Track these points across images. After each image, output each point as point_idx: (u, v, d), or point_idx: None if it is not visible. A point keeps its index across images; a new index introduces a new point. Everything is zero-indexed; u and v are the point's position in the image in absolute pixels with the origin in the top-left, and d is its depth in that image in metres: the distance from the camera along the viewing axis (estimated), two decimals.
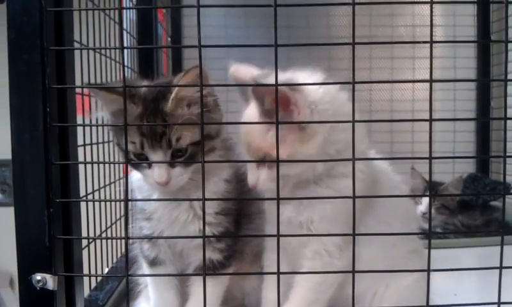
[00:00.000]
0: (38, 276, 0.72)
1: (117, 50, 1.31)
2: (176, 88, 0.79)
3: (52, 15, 0.74)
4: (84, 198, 1.01)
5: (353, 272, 0.67)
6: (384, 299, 0.86)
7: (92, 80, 1.03)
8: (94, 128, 1.10)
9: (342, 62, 2.07)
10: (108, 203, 1.25)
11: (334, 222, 0.80)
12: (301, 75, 0.80)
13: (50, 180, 0.73)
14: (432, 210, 1.70)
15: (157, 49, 1.72)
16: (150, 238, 0.90)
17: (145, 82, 0.90)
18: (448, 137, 2.13)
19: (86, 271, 0.91)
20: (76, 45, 0.90)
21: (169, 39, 2.04)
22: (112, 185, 1.25)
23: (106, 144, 1.19)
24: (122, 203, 1.26)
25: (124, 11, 1.39)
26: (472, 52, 2.18)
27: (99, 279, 1.16)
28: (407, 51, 2.14)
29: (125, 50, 1.39)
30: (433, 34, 0.64)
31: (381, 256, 0.83)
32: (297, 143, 0.75)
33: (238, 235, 0.93)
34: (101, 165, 1.20)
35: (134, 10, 1.59)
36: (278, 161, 0.65)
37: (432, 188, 1.71)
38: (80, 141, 0.91)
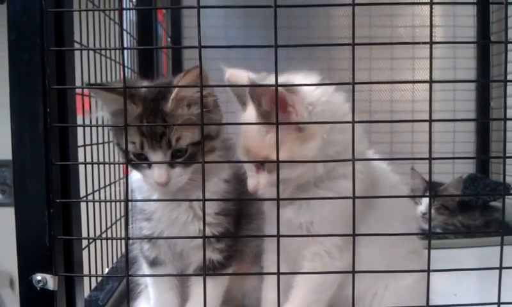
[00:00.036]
0: (39, 276, 0.72)
1: (117, 51, 1.31)
2: (176, 88, 0.79)
3: (52, 16, 0.74)
4: (84, 198, 1.01)
5: (353, 272, 0.67)
6: (384, 300, 0.87)
7: (92, 81, 1.03)
8: (94, 129, 1.10)
9: (342, 63, 2.07)
10: (108, 204, 1.25)
11: (334, 223, 0.80)
12: (296, 77, 0.80)
13: (50, 180, 0.73)
14: (432, 211, 1.70)
15: (157, 50, 1.72)
16: (150, 238, 0.90)
17: (145, 83, 0.90)
18: (448, 138, 2.13)
19: (86, 271, 0.91)
20: (76, 45, 0.90)
21: (169, 39, 2.04)
22: (112, 186, 1.25)
23: (106, 145, 1.19)
24: (122, 203, 1.27)
25: (124, 11, 1.39)
26: (471, 53, 2.18)
27: (99, 279, 1.16)
28: (407, 52, 2.14)
29: (125, 51, 1.39)
30: (433, 34, 0.64)
31: (380, 256, 0.83)
32: (296, 145, 0.75)
33: (238, 235, 0.93)
34: (101, 166, 1.20)
35: (134, 11, 1.60)
36: (278, 161, 0.65)
37: (432, 189, 1.71)
38: (80, 142, 0.91)
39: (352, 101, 0.64)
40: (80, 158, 0.90)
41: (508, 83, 0.70)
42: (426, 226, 1.42)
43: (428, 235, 0.70)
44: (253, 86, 0.73)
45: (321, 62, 2.07)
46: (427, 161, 0.65)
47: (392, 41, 2.18)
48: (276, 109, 0.65)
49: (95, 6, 1.11)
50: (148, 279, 0.97)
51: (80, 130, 0.92)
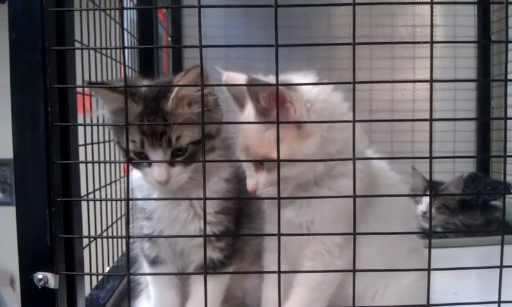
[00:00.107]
0: (40, 275, 0.72)
1: (118, 50, 1.31)
2: (177, 87, 0.79)
3: (53, 15, 0.74)
4: (85, 197, 1.01)
5: (354, 271, 0.67)
6: (385, 299, 0.87)
7: (93, 80, 1.03)
8: (95, 128, 1.11)
9: (342, 62, 2.07)
10: (109, 203, 1.25)
11: (334, 222, 0.80)
12: (295, 77, 0.81)
13: (51, 179, 0.73)
14: (433, 210, 1.70)
15: (157, 49, 1.72)
16: (151, 237, 0.91)
17: (146, 82, 0.90)
18: (448, 137, 2.13)
19: (87, 270, 0.91)
20: (77, 44, 0.90)
21: (169, 39, 2.04)
22: (113, 185, 1.25)
23: (107, 144, 1.19)
24: (123, 202, 1.27)
25: (125, 11, 1.39)
26: (472, 52, 2.18)
27: (100, 278, 1.16)
28: (407, 51, 2.14)
29: (126, 50, 1.39)
30: (433, 34, 0.64)
31: (380, 255, 0.83)
32: (295, 142, 0.75)
33: (239, 234, 0.93)
34: (101, 165, 1.20)
35: (135, 10, 1.60)
36: (278, 160, 0.66)
37: (433, 188, 1.71)
38: (81, 141, 0.91)
39: (353, 100, 0.64)
40: (81, 157, 0.91)
41: (508, 82, 0.70)
42: (427, 225, 1.42)
43: (429, 234, 0.70)
44: (254, 85, 0.73)
45: (321, 62, 2.07)
46: (428, 160, 0.65)
47: (393, 40, 2.18)
48: (276, 108, 0.65)
49: (95, 6, 1.11)
50: (149, 278, 0.97)
51: (81, 129, 0.93)
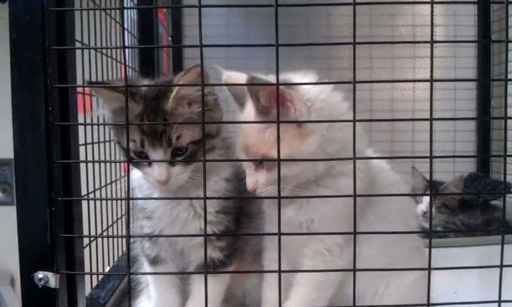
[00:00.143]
0: (40, 274, 0.72)
1: (118, 50, 1.32)
2: (177, 87, 0.79)
3: (54, 15, 0.74)
4: (86, 197, 1.01)
5: (354, 270, 0.67)
6: (385, 298, 0.87)
7: (93, 80, 1.03)
8: (95, 128, 1.11)
9: (342, 62, 2.08)
10: (109, 202, 1.25)
11: (335, 221, 0.80)
12: (295, 76, 0.81)
13: (52, 179, 0.73)
14: (433, 209, 1.70)
15: (158, 48, 1.72)
16: (151, 236, 0.91)
17: (146, 81, 0.90)
18: (448, 137, 2.13)
19: (87, 270, 0.91)
20: (77, 44, 0.90)
21: (170, 38, 2.04)
22: (113, 184, 1.25)
23: (107, 143, 1.19)
24: (123, 202, 1.27)
25: (125, 10, 1.39)
26: (472, 52, 2.18)
27: (100, 277, 1.16)
28: (407, 51, 2.14)
29: (126, 50, 1.39)
30: (434, 33, 0.64)
31: (380, 254, 0.83)
32: (295, 141, 0.75)
33: (239, 233, 0.93)
34: (102, 165, 1.20)
35: (135, 10, 1.60)
36: (279, 159, 0.66)
37: (433, 188, 1.71)
38: (81, 140, 0.91)
39: (353, 99, 0.64)
40: (82, 157, 0.91)
41: (509, 82, 0.70)
42: (427, 225, 1.42)
43: (429, 234, 0.70)
44: (254, 84, 0.73)
45: (321, 61, 2.07)
46: (428, 160, 0.65)
47: (393, 40, 2.18)
48: (277, 107, 0.65)
49: (96, 5, 1.11)
50: (149, 277, 0.97)
51: (81, 129, 0.93)
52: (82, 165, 0.89)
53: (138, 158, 0.81)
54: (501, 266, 0.67)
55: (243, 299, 0.99)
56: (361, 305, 0.83)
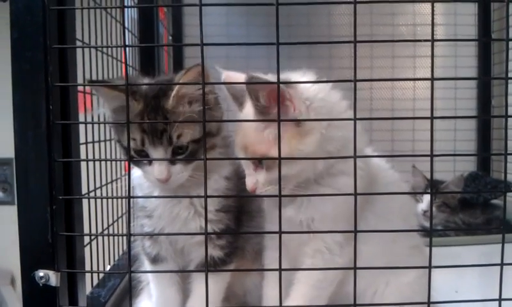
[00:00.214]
0: (41, 273, 0.73)
1: (118, 49, 1.32)
2: (178, 85, 0.79)
3: (54, 14, 0.74)
4: (86, 195, 1.01)
5: (355, 268, 0.67)
6: (385, 297, 0.87)
7: (94, 78, 1.03)
8: (96, 127, 1.11)
9: (343, 61, 2.08)
10: (110, 201, 1.25)
11: (335, 220, 0.80)
12: (294, 76, 0.81)
13: (52, 177, 0.73)
14: (434, 208, 1.70)
15: (158, 48, 1.72)
16: (152, 234, 0.91)
17: (146, 80, 0.90)
18: (449, 136, 2.13)
19: (88, 268, 0.91)
20: (78, 43, 0.91)
21: (170, 38, 2.04)
22: (114, 183, 1.25)
23: (108, 142, 1.19)
24: (124, 200, 1.27)
25: (126, 9, 1.39)
26: (472, 51, 2.18)
27: (101, 276, 1.16)
28: (408, 50, 2.14)
29: (127, 49, 1.39)
30: (434, 33, 0.64)
31: (380, 252, 0.83)
32: (294, 140, 0.75)
33: (240, 232, 0.93)
34: (102, 163, 1.20)
35: (136, 9, 1.60)
36: (279, 158, 0.66)
37: (434, 187, 1.71)
38: (82, 139, 0.91)
39: (354, 98, 0.64)
40: (82, 156, 0.91)
41: (509, 81, 0.70)
42: (427, 224, 1.42)
43: (429, 232, 0.70)
44: (255, 83, 0.73)
45: (322, 61, 2.07)
46: (429, 160, 0.66)
47: (393, 39, 2.18)
48: (277, 106, 0.65)
49: (96, 4, 1.11)
50: (150, 275, 0.97)
51: (81, 128, 0.93)
52: (83, 164, 0.89)
53: (138, 157, 0.82)
54: (502, 264, 0.67)
55: (244, 298, 0.99)
56: (362, 303, 0.83)
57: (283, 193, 0.67)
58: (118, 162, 1.31)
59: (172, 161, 0.81)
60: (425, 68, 2.15)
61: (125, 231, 1.31)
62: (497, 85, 2.13)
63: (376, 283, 0.87)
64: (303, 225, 0.82)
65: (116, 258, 1.33)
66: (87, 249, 0.92)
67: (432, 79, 0.64)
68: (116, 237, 1.32)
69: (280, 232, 0.66)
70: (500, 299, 0.67)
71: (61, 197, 0.75)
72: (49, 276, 0.73)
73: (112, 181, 1.24)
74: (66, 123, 0.78)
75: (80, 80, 0.88)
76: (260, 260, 0.93)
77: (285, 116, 0.73)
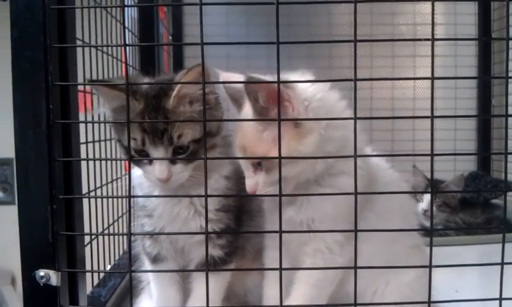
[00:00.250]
0: (42, 272, 0.72)
1: (119, 48, 1.32)
2: (179, 85, 0.79)
3: (54, 13, 0.74)
4: (87, 195, 1.01)
5: (355, 268, 0.67)
6: (385, 296, 0.87)
7: (94, 78, 1.03)
8: (96, 127, 1.11)
9: (343, 61, 2.08)
10: (110, 201, 1.25)
11: (335, 220, 0.80)
12: (292, 76, 0.81)
13: (53, 177, 0.73)
14: (434, 208, 1.70)
15: (158, 47, 1.72)
16: (152, 234, 0.91)
17: (146, 79, 0.90)
18: (449, 136, 2.13)
19: (88, 268, 0.91)
20: (78, 42, 0.91)
21: (170, 37, 2.04)
22: (114, 183, 1.25)
23: (108, 142, 1.20)
24: (124, 200, 1.27)
25: (126, 9, 1.39)
26: (472, 51, 2.18)
27: (102, 276, 1.16)
28: (408, 49, 2.14)
29: (127, 48, 1.39)
30: (434, 32, 0.64)
31: (380, 252, 0.83)
32: (293, 141, 0.75)
33: (240, 231, 0.93)
34: (103, 163, 1.20)
35: (136, 8, 1.60)
36: (280, 157, 0.66)
37: (434, 186, 1.71)
38: (82, 139, 0.91)
39: (354, 97, 0.64)
40: (83, 156, 0.91)
41: (510, 80, 0.70)
42: (427, 223, 1.42)
43: (430, 231, 0.70)
44: (255, 82, 0.73)
45: (322, 60, 2.07)
46: (429, 159, 0.65)
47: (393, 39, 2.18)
48: (278, 105, 0.65)
49: (96, 3, 1.11)
50: (151, 275, 0.97)
51: (82, 128, 0.93)
52: (83, 164, 0.89)
53: (139, 157, 0.81)
54: (502, 263, 0.67)
55: (244, 297, 0.99)
56: (362, 302, 0.84)
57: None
58: (119, 162, 1.32)
59: (173, 161, 0.81)
60: (425, 67, 2.14)
61: (125, 231, 1.31)
62: (497, 84, 2.13)
63: (376, 283, 0.87)
64: (303, 225, 0.82)
65: (117, 257, 1.33)
66: (87, 249, 0.92)
67: (433, 78, 0.64)
68: (116, 237, 1.32)
69: (280, 231, 0.66)
70: (500, 298, 0.67)
71: (61, 197, 0.75)
72: (50, 276, 0.73)
73: (112, 181, 1.24)
74: (67, 122, 0.78)
75: (80, 79, 0.88)
76: (260, 260, 0.93)
77: (284, 117, 0.73)
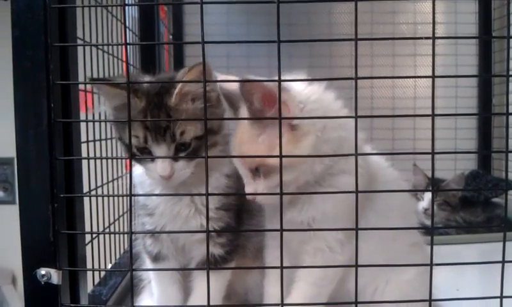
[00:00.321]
0: (43, 271, 0.73)
1: (119, 48, 1.32)
2: (181, 83, 0.79)
3: (55, 12, 0.74)
4: (88, 194, 1.02)
5: (356, 266, 0.68)
6: (385, 294, 0.87)
7: (95, 77, 1.03)
8: (97, 126, 1.11)
9: (343, 60, 2.08)
10: (111, 199, 1.25)
11: (336, 219, 0.80)
12: (287, 78, 0.80)
13: (54, 176, 0.73)
14: (434, 207, 1.70)
15: (159, 46, 1.72)
16: (153, 232, 0.91)
17: (147, 77, 0.90)
18: (450, 135, 2.13)
19: (89, 267, 0.91)
20: (79, 41, 0.91)
21: (171, 37, 2.04)
22: (115, 182, 1.26)
23: (109, 141, 1.20)
24: (125, 199, 1.28)
25: (126, 8, 1.40)
26: (473, 50, 2.18)
27: (103, 275, 1.16)
28: (408, 49, 2.14)
29: (128, 47, 1.39)
30: (435, 31, 0.64)
31: (380, 250, 0.83)
32: (289, 145, 0.74)
33: (241, 230, 0.93)
34: (104, 162, 1.20)
35: (136, 7, 1.60)
36: (281, 156, 0.66)
37: (434, 185, 1.71)
38: (83, 138, 0.91)
39: (355, 96, 0.64)
40: (83, 155, 0.91)
41: (510, 79, 0.70)
42: (428, 222, 1.42)
43: (431, 229, 0.70)
44: (256, 81, 0.73)
45: (322, 60, 2.07)
46: (429, 158, 0.65)
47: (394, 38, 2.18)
48: (279, 103, 0.65)
49: (97, 2, 1.11)
50: (151, 274, 0.97)
51: (83, 126, 0.93)
52: (84, 163, 0.89)
53: (141, 154, 0.82)
54: (503, 261, 0.67)
55: (245, 296, 0.99)
56: (363, 301, 0.84)
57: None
58: (119, 161, 1.32)
59: (175, 158, 0.81)
60: (425, 66, 2.14)
61: (126, 230, 1.31)
62: (498, 83, 2.13)
63: (376, 281, 0.87)
64: (304, 225, 0.81)
65: (118, 256, 1.33)
66: (88, 248, 0.92)
67: (434, 77, 0.64)
68: (117, 235, 1.33)
69: (281, 230, 0.66)
70: (501, 297, 0.67)
71: (62, 196, 0.75)
72: (51, 274, 0.73)
73: (113, 180, 1.24)
74: (68, 121, 0.78)
75: (81, 78, 0.88)
76: (261, 258, 0.93)
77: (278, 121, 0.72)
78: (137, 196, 0.92)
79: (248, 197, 0.80)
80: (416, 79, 2.13)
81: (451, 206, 1.73)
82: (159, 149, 0.80)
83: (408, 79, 2.15)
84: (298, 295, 0.83)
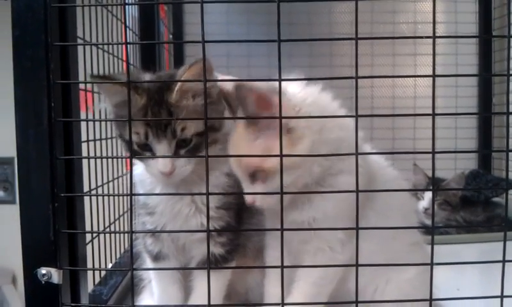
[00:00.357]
0: (43, 270, 0.73)
1: (119, 47, 1.32)
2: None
3: (56, 11, 0.74)
4: (88, 193, 1.02)
5: (356, 265, 0.68)
6: (386, 294, 0.87)
7: (95, 74, 1.03)
8: (97, 125, 1.11)
9: (343, 59, 2.08)
10: (112, 199, 1.25)
11: (336, 219, 0.80)
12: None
13: (54, 175, 0.73)
14: (435, 206, 1.70)
15: (159, 46, 1.72)
16: (154, 232, 0.91)
17: (147, 75, 0.90)
18: (450, 134, 2.14)
19: (90, 266, 0.91)
20: (79, 41, 0.91)
21: (171, 36, 2.04)
22: (116, 181, 1.26)
23: (109, 140, 1.20)
24: (125, 198, 1.28)
25: (126, 7, 1.40)
26: (473, 49, 2.19)
27: (103, 274, 1.16)
28: (409, 48, 2.15)
29: (128, 47, 1.39)
30: (435, 30, 0.64)
31: (380, 249, 0.83)
32: (285, 149, 0.73)
33: (242, 229, 0.93)
34: (104, 161, 1.20)
35: (136, 7, 1.60)
36: (281, 155, 0.66)
37: (435, 184, 1.71)
38: (83, 138, 0.91)
39: (355, 95, 0.64)
40: (84, 154, 0.91)
41: (511, 78, 0.70)
42: (428, 222, 1.42)
43: (431, 229, 0.70)
44: (256, 80, 0.73)
45: (322, 59, 2.07)
46: (430, 158, 0.65)
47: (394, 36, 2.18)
48: (279, 103, 0.65)
49: (97, 2, 1.11)
50: (152, 273, 0.97)
51: (83, 126, 0.93)
52: (85, 162, 0.89)
53: (141, 151, 0.81)
54: (503, 261, 0.67)
55: (245, 295, 0.99)
56: (363, 300, 0.84)
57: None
58: (120, 160, 1.32)
59: (176, 154, 0.81)
60: (426, 66, 2.14)
61: (126, 229, 1.32)
62: (498, 83, 2.13)
63: (376, 280, 0.88)
64: (305, 225, 0.82)
65: (118, 255, 1.33)
66: (89, 247, 0.92)
67: (434, 76, 0.64)
68: (117, 235, 1.33)
69: (282, 229, 0.66)
70: (501, 296, 0.67)
71: (62, 195, 0.75)
72: (51, 274, 0.73)
73: (114, 179, 1.24)
74: (68, 120, 0.78)
75: (81, 77, 0.88)
76: (261, 258, 0.93)
77: (274, 124, 0.71)
78: (137, 195, 0.92)
79: (247, 201, 0.80)
80: (417, 79, 2.13)
81: (451, 206, 1.73)
82: (160, 146, 0.80)
83: (408, 79, 2.15)
84: (299, 294, 0.83)
